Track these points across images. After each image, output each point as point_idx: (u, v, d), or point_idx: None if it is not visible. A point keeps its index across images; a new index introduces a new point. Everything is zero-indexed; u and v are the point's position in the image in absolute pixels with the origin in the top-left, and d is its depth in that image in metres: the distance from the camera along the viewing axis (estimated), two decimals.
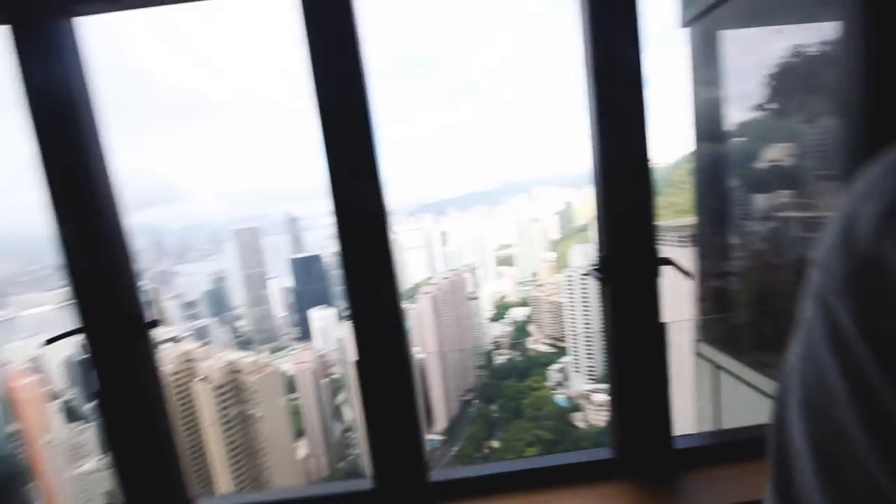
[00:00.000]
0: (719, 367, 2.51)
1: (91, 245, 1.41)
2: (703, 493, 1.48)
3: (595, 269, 1.50)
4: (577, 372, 40.73)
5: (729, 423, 2.42)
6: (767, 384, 2.12)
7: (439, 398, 43.74)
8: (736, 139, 2.44)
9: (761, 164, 2.44)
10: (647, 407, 1.53)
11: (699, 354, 2.71)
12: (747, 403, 2.22)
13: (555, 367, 42.45)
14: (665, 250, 1.48)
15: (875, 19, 1.42)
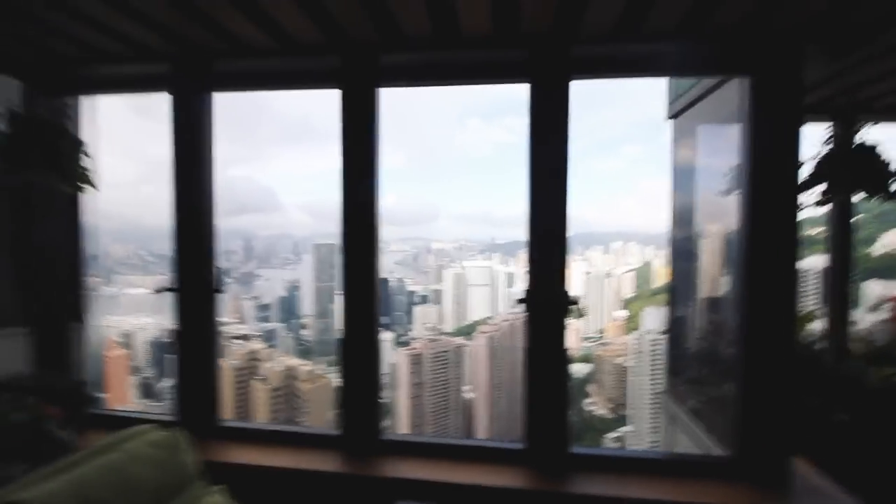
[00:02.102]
0: (673, 419, 2.80)
1: (193, 232, 2.21)
2: (582, 484, 1.87)
3: (521, 302, 2.00)
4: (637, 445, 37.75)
5: None
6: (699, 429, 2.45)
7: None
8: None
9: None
10: (548, 416, 1.98)
11: (664, 408, 2.99)
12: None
13: (612, 434, 39.67)
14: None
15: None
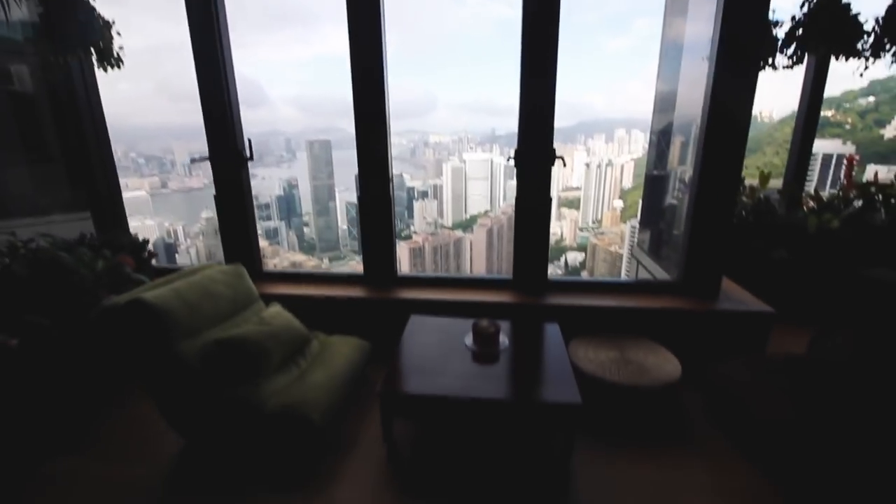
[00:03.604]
0: (640, 263, 3.33)
1: (219, 107, 2.45)
2: (556, 299, 2.39)
3: (512, 158, 2.33)
4: None
5: None
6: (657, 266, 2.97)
7: None
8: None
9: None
10: (532, 251, 2.43)
11: (632, 255, 3.52)
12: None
13: None
14: None
15: None
